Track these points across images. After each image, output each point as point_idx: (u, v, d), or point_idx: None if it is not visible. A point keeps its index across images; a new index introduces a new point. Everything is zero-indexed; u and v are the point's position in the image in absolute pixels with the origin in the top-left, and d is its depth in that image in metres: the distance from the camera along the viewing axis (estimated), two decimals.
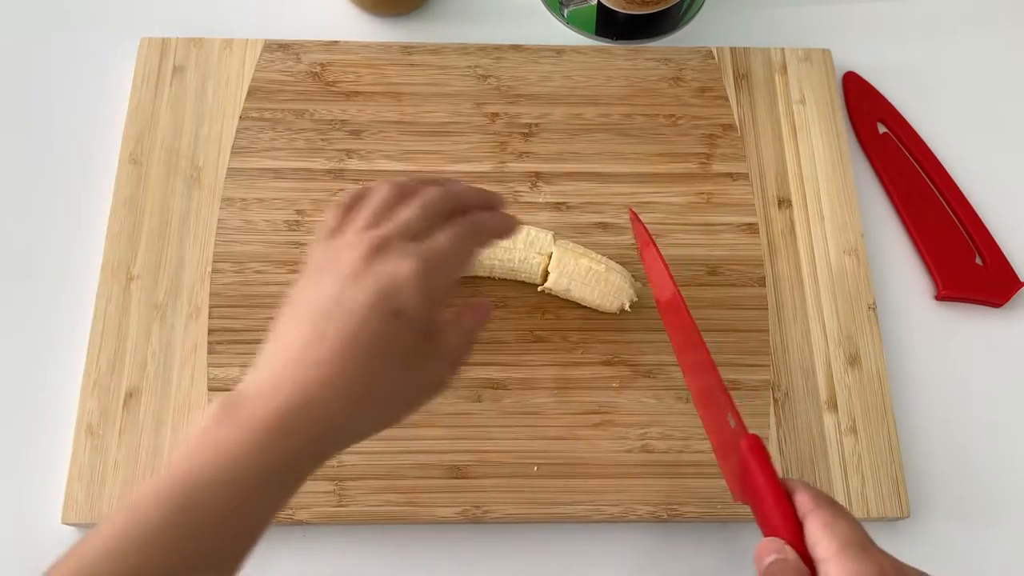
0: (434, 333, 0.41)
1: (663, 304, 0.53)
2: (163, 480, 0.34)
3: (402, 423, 0.41)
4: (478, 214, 0.43)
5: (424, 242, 0.40)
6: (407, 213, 0.41)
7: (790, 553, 0.38)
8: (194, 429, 0.36)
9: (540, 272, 0.56)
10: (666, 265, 0.51)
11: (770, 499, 0.40)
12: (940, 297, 0.61)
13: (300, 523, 0.53)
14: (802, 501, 0.39)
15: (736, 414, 0.43)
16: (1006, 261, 0.62)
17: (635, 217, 0.56)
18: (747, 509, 0.43)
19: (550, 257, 0.56)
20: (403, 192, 0.42)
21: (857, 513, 0.54)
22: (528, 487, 0.54)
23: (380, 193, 0.42)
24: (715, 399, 0.45)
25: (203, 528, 0.34)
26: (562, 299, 0.58)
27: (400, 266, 0.39)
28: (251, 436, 0.35)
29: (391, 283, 0.38)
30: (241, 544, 0.35)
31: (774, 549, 0.38)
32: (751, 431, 0.43)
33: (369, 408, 0.39)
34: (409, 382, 0.40)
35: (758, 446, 0.42)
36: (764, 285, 0.60)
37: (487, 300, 0.47)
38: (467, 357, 0.43)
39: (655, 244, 0.53)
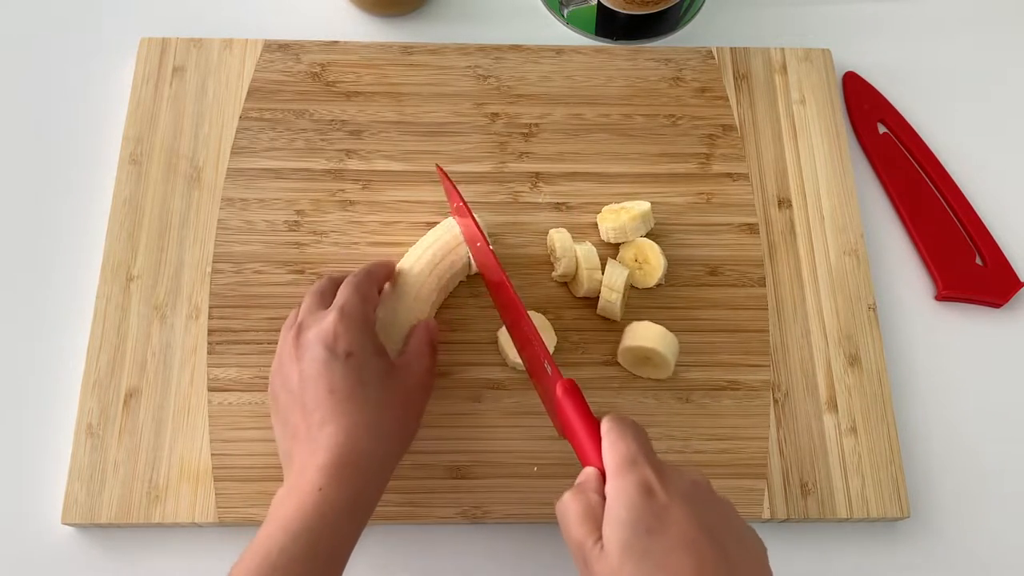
0: (387, 352, 0.50)
1: (482, 266, 0.55)
2: (266, 532, 0.43)
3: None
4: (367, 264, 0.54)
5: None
6: (304, 302, 0.51)
7: (591, 475, 0.42)
8: (267, 518, 0.45)
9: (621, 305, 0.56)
10: (480, 228, 0.53)
11: (582, 433, 0.44)
12: (940, 297, 0.61)
13: None
14: (601, 429, 0.43)
15: (551, 361, 0.46)
16: (1006, 261, 0.62)
17: (444, 175, 0.56)
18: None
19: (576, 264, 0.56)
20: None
21: (857, 513, 0.54)
22: (528, 487, 0.54)
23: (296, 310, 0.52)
24: (534, 350, 0.48)
25: (318, 550, 0.43)
26: (561, 299, 0.58)
27: (323, 323, 0.48)
28: (311, 494, 0.44)
29: (326, 337, 0.47)
30: (336, 558, 0.44)
31: (586, 475, 0.43)
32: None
33: (384, 429, 0.47)
34: (396, 394, 0.48)
35: (571, 389, 0.45)
36: (764, 285, 0.60)
37: (433, 320, 0.55)
38: (431, 359, 0.52)
39: (464, 202, 0.54)
